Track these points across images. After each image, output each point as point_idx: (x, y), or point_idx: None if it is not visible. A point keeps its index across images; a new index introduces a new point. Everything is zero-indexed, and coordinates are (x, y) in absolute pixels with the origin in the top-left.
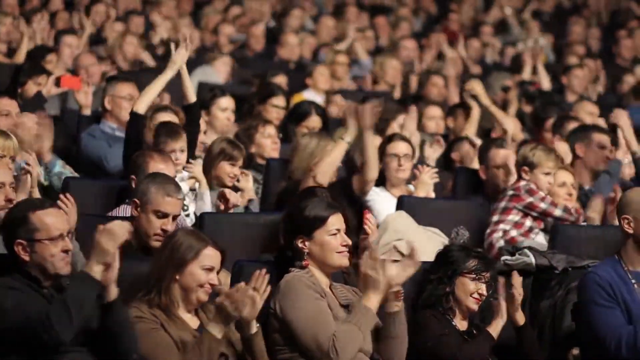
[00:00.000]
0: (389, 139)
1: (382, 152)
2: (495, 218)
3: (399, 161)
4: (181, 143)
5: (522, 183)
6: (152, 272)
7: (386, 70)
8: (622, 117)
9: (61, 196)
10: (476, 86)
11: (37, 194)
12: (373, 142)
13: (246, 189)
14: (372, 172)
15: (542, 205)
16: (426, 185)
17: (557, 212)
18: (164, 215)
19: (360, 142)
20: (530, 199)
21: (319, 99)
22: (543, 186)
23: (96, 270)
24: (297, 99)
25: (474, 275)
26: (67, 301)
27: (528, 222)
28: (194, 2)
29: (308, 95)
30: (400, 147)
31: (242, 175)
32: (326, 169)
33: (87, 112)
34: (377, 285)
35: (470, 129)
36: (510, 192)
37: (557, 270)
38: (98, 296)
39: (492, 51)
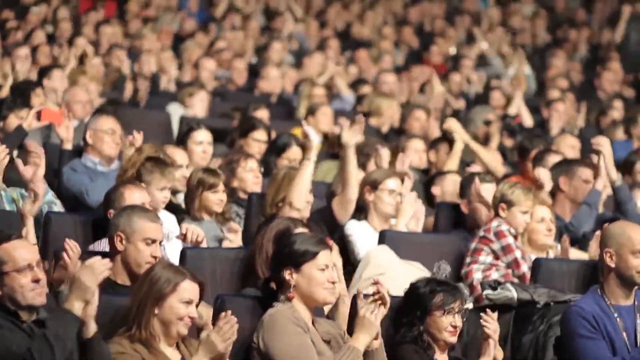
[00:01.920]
0: (386, 176)
1: (374, 187)
2: (467, 259)
3: (393, 197)
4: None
5: (494, 224)
6: (131, 307)
7: (383, 111)
8: (604, 145)
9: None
10: (453, 124)
11: (32, 230)
12: (354, 160)
13: (234, 242)
14: (353, 190)
15: (508, 258)
16: (407, 214)
17: (523, 269)
18: (153, 242)
19: (342, 159)
20: (496, 245)
21: (317, 139)
22: (519, 224)
23: (77, 307)
24: (297, 132)
25: (443, 311)
26: (49, 337)
27: (502, 262)
28: (175, 36)
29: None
30: (396, 184)
31: (231, 232)
32: (298, 191)
33: (68, 146)
34: (372, 330)
35: (453, 163)
36: (481, 234)
37: (539, 304)
38: (78, 332)
39: (473, 84)
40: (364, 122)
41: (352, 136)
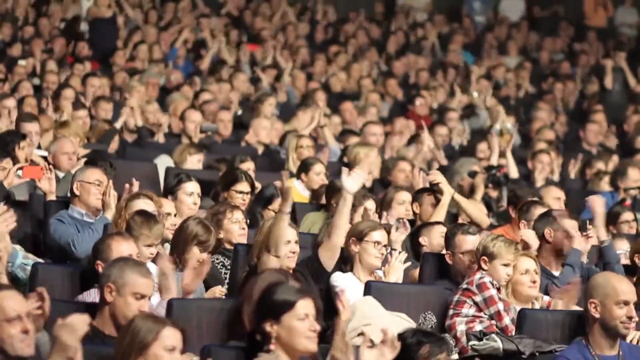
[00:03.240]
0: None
1: (359, 239)
2: (450, 312)
3: (379, 249)
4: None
5: (477, 276)
6: (115, 359)
7: (361, 158)
8: (598, 204)
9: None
10: (438, 177)
11: (4, 280)
12: (349, 207)
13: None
14: (341, 237)
15: (490, 310)
16: (397, 271)
17: (506, 321)
18: (142, 297)
19: (339, 205)
20: (479, 297)
21: (307, 193)
22: (502, 277)
23: None
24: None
25: None
26: None
27: (485, 315)
28: (161, 88)
29: (298, 185)
30: (381, 235)
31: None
32: (276, 241)
33: (52, 197)
34: None
35: (439, 215)
36: (464, 286)
37: (524, 355)
38: None
39: (459, 136)
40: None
41: (353, 183)
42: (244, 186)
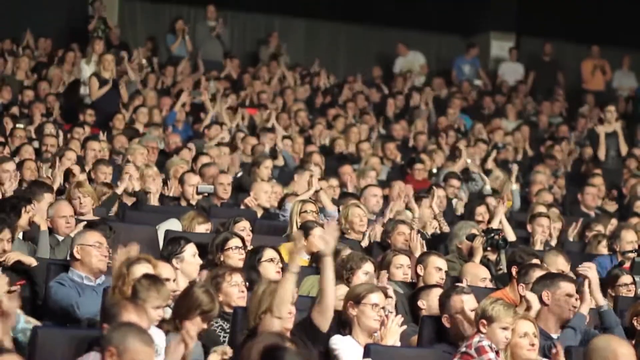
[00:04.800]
0: (368, 290)
1: (356, 302)
2: None
3: (377, 311)
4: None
5: (475, 339)
6: None
7: (352, 219)
8: (590, 270)
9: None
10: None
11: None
12: (332, 268)
13: None
14: (330, 299)
15: None
16: (394, 334)
17: None
18: None
19: (321, 269)
20: None
21: (307, 257)
22: (500, 341)
23: None
24: (283, 250)
25: None
26: None
27: None
28: (159, 151)
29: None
30: (379, 298)
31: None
32: (280, 302)
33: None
34: None
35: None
36: (462, 349)
37: None
38: None
39: (457, 200)
40: (337, 228)
41: (325, 243)
42: (235, 242)
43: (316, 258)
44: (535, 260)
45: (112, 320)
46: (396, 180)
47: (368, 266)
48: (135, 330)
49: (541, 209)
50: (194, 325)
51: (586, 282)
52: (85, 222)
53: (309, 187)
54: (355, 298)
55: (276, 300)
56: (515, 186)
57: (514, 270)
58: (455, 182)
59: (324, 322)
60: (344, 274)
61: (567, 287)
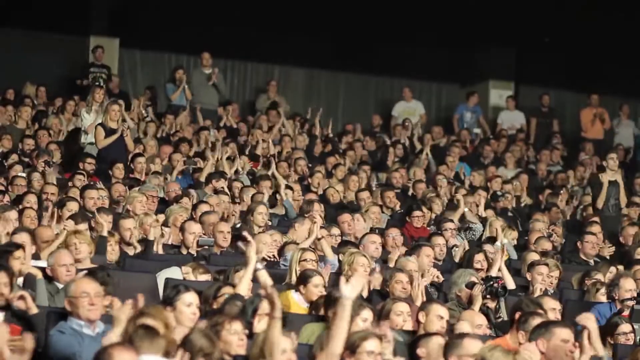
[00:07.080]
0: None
1: (352, 351)
2: None
3: (372, 358)
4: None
5: None
6: None
7: (356, 267)
8: (589, 321)
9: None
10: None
11: None
12: (349, 315)
13: None
14: (338, 346)
15: None
16: None
17: None
18: None
19: (339, 311)
20: None
21: (306, 305)
22: None
23: None
24: (283, 298)
25: None
26: None
27: None
28: (159, 200)
29: (297, 297)
30: (375, 345)
31: None
32: (269, 348)
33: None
34: None
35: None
36: None
37: None
38: None
39: (456, 248)
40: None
41: (351, 290)
42: (227, 289)
43: (316, 306)
44: (536, 309)
45: None
46: (391, 229)
47: (366, 313)
48: None
49: (539, 256)
50: None
51: (585, 333)
52: (84, 271)
53: (309, 235)
54: (350, 347)
55: (267, 348)
56: (505, 240)
57: (516, 315)
58: (451, 225)
59: None
60: None
61: (562, 332)
